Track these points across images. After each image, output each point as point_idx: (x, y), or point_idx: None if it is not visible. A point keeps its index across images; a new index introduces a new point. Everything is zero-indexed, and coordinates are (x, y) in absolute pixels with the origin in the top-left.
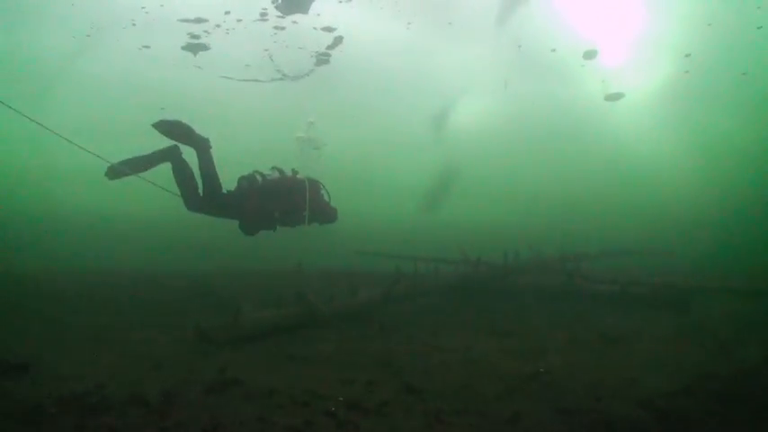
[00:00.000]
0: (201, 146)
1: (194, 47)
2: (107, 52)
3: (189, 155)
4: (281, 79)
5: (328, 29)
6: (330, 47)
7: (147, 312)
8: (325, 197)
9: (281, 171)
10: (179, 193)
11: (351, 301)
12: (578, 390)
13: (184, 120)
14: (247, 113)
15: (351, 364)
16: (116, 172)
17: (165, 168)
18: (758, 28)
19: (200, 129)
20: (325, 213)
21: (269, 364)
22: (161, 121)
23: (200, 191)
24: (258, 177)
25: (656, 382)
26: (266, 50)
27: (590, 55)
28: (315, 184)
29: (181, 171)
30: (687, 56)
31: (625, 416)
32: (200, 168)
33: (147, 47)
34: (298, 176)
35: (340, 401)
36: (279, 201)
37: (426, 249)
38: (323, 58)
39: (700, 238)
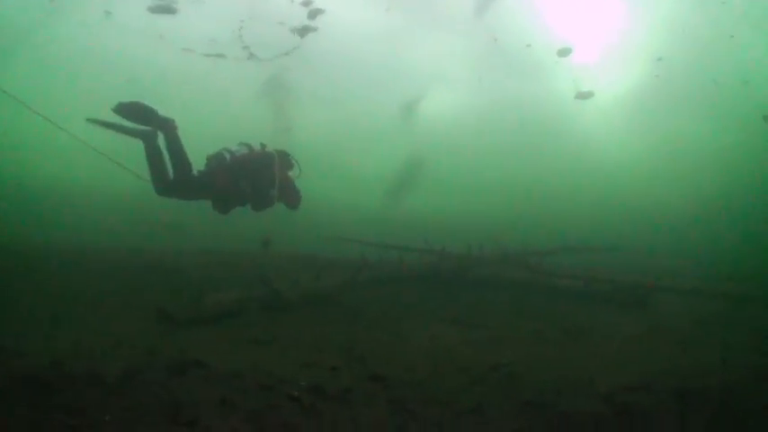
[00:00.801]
0: (166, 127)
1: (160, 8)
2: (70, 19)
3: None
4: (248, 58)
5: (306, 3)
6: (310, 16)
7: (109, 290)
8: (296, 169)
9: (249, 146)
10: (148, 179)
11: (315, 286)
12: (540, 383)
13: (146, 100)
14: (216, 92)
15: (314, 348)
16: (95, 122)
17: (135, 151)
18: (731, 37)
19: (166, 106)
20: (290, 194)
21: (231, 346)
22: (119, 104)
23: (171, 175)
24: (226, 154)
25: (615, 378)
26: (242, 21)
27: (564, 53)
28: (284, 157)
29: (153, 155)
30: (659, 59)
31: (586, 410)
32: (168, 150)
33: (108, 12)
34: (266, 150)
35: (303, 386)
36: (249, 176)
37: (392, 237)
38: (308, 29)
39: (663, 238)
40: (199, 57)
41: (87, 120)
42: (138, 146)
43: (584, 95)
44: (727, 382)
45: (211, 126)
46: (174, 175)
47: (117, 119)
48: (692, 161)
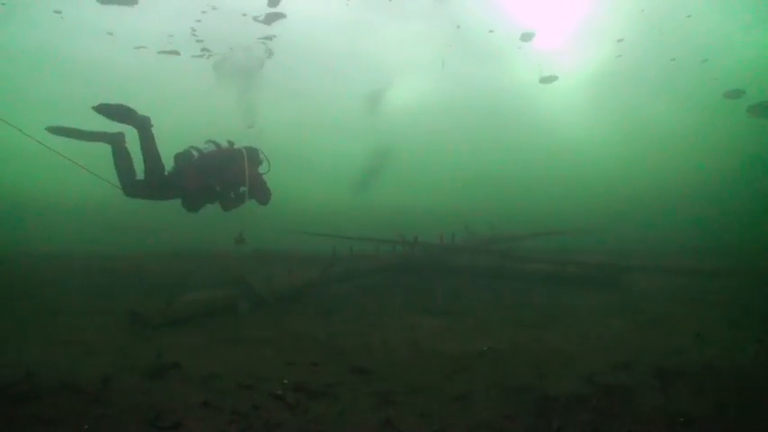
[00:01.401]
0: (143, 125)
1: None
2: (21, 20)
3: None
4: (200, 56)
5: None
6: (269, 20)
7: (78, 296)
8: (266, 165)
9: (216, 144)
10: (117, 183)
11: (288, 282)
12: (522, 368)
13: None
14: (176, 89)
15: (292, 345)
16: (56, 131)
17: (102, 155)
18: (688, 16)
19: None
20: (261, 191)
21: (208, 346)
22: (101, 104)
23: (142, 174)
24: (194, 153)
25: (595, 359)
26: (202, 13)
27: (527, 37)
28: (254, 154)
29: (121, 158)
30: (620, 41)
31: (569, 392)
32: (143, 148)
33: (58, 12)
34: (234, 147)
35: (285, 384)
36: (218, 174)
37: (362, 230)
38: (276, 16)
39: (628, 219)
40: (156, 54)
41: (47, 129)
42: (100, 150)
43: (548, 79)
44: (704, 358)
45: (173, 124)
46: (145, 174)
47: (72, 133)
48: (652, 139)
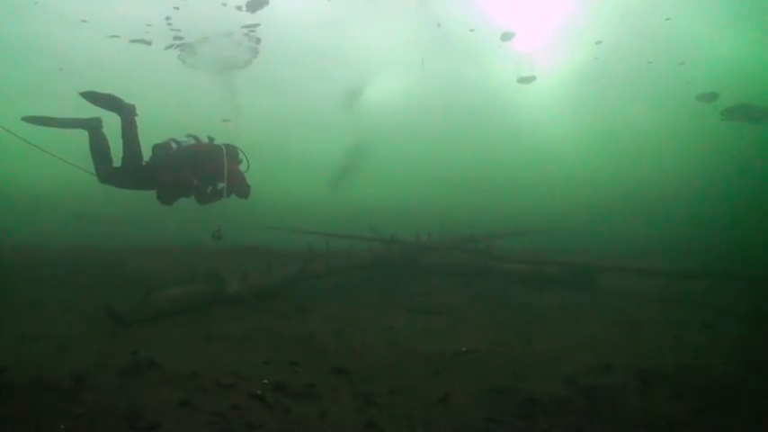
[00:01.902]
0: (127, 112)
1: None
2: None
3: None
4: (172, 46)
5: None
6: (252, 7)
7: (52, 289)
8: (245, 163)
9: (196, 138)
10: (92, 169)
11: (265, 279)
12: (503, 369)
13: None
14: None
15: (271, 344)
16: (32, 120)
17: (79, 142)
18: (666, 19)
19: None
20: (240, 186)
21: (184, 344)
22: (90, 92)
23: (119, 161)
24: (173, 144)
25: (575, 360)
26: (177, 9)
27: (507, 37)
28: (233, 151)
29: (98, 143)
30: (598, 43)
31: (552, 394)
32: (124, 136)
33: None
34: (215, 143)
35: (265, 384)
36: (196, 167)
37: (338, 227)
38: (259, 4)
39: (605, 219)
40: (129, 42)
41: (23, 119)
42: (73, 136)
43: (526, 80)
44: (682, 361)
45: (146, 116)
46: (123, 161)
47: (47, 121)
48: (628, 142)
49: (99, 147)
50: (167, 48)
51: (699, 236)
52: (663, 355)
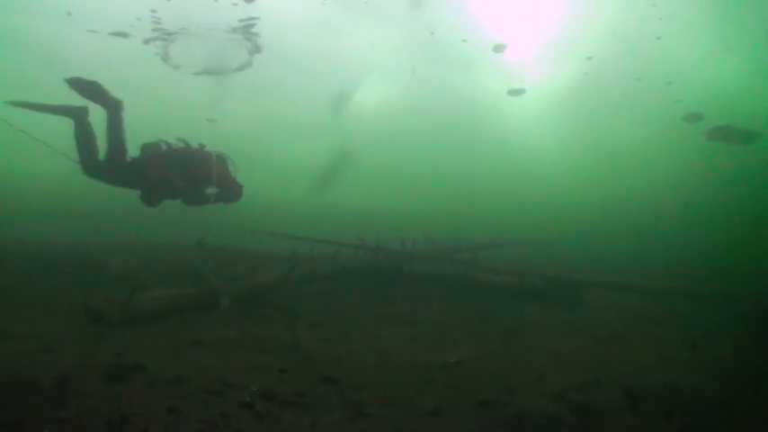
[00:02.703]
0: (113, 106)
1: None
2: None
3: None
4: (154, 39)
5: None
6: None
7: (31, 289)
8: (232, 172)
9: (186, 143)
10: (77, 159)
11: (251, 283)
12: (491, 382)
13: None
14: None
15: (258, 350)
16: (18, 104)
17: (64, 132)
18: (657, 38)
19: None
20: (230, 191)
21: (171, 348)
22: (76, 78)
23: (103, 156)
24: (163, 145)
25: (563, 375)
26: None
27: (499, 49)
28: (222, 158)
29: (83, 133)
30: (589, 58)
31: (542, 409)
32: (109, 130)
33: None
34: (205, 149)
35: (254, 391)
36: (184, 171)
37: (321, 233)
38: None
39: (589, 234)
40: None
41: (9, 103)
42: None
43: (516, 92)
44: (669, 379)
45: (132, 114)
46: (107, 155)
47: (32, 106)
48: (615, 157)
49: (84, 137)
50: (146, 41)
51: (682, 253)
52: (650, 371)
